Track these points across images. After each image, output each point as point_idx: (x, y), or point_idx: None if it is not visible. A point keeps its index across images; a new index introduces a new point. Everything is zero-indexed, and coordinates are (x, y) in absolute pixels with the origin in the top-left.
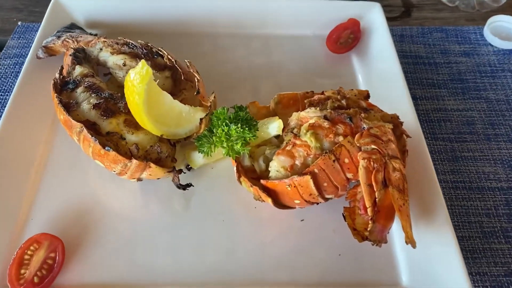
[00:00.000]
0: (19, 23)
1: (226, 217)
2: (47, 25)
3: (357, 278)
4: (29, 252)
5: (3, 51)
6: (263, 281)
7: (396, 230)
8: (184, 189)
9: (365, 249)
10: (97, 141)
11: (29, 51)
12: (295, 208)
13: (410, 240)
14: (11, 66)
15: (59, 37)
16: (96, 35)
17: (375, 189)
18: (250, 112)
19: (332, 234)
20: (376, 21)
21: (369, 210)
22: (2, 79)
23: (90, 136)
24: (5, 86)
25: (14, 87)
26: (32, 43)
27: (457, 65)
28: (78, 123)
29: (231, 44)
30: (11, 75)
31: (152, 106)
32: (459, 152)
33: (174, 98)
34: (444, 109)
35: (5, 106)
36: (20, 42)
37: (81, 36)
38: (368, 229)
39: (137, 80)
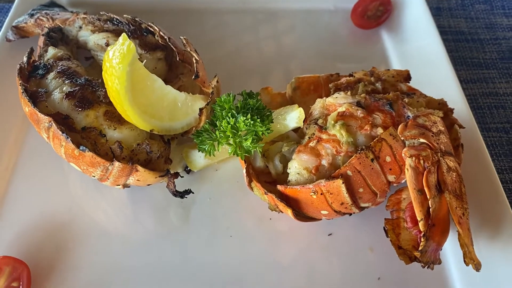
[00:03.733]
0: None
1: (234, 232)
2: (22, 3)
3: None
4: None
5: None
6: None
7: (449, 246)
8: (182, 197)
9: (411, 271)
10: (69, 139)
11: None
12: (321, 219)
13: (473, 261)
14: None
15: (32, 15)
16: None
17: (427, 196)
18: (262, 100)
19: (369, 253)
20: None
21: (421, 224)
22: None
23: (60, 132)
24: None
25: None
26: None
27: (506, 41)
28: (46, 117)
29: (237, 21)
30: None
31: (137, 94)
32: None
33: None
34: (495, 93)
35: None
36: None
37: (58, 14)
38: (420, 248)
39: (117, 59)
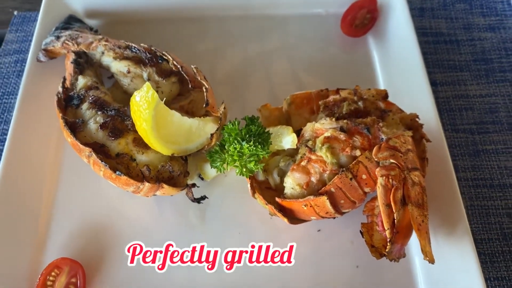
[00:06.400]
0: (15, 13)
1: (242, 230)
2: (45, 19)
3: None
4: (51, 278)
5: (1, 47)
6: None
7: (415, 243)
8: (198, 202)
9: (383, 261)
10: (107, 166)
11: (28, 45)
12: (311, 220)
13: (429, 259)
14: (12, 65)
15: (58, 37)
16: (96, 31)
17: (393, 210)
18: (262, 115)
19: (350, 246)
20: None
21: (387, 232)
22: (4, 79)
23: (100, 161)
24: (9, 88)
25: (17, 88)
26: (31, 36)
27: (481, 42)
28: (87, 148)
29: (239, 28)
30: (13, 74)
31: (160, 128)
32: (480, 145)
33: (182, 100)
34: (466, 95)
35: (9, 111)
36: (18, 36)
37: (81, 37)
38: (387, 250)
39: (144, 105)
